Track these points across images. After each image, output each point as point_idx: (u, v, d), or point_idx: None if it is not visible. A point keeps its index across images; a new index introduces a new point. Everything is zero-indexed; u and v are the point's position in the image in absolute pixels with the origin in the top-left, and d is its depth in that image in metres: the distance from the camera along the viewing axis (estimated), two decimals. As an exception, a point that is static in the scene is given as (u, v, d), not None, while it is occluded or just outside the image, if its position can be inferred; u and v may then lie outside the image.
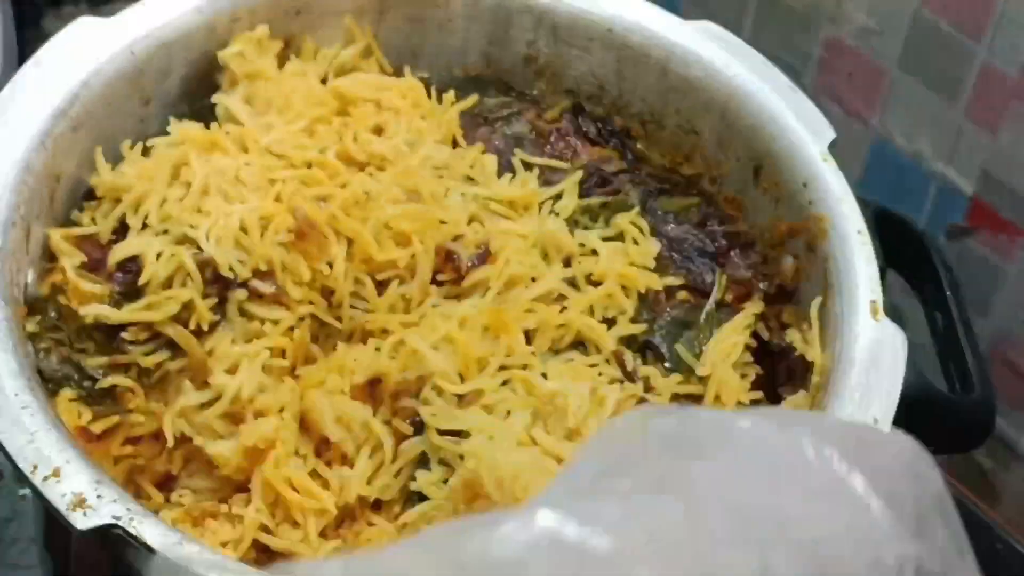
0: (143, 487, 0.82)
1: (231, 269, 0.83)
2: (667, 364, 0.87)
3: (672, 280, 0.90)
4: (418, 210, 0.87)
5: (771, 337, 0.90)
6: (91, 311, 0.83)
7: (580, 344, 0.87)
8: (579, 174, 0.94)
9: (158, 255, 0.83)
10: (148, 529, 0.71)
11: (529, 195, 0.92)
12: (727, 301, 0.91)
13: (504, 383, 0.83)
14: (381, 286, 0.86)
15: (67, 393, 0.81)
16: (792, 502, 0.51)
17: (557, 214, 0.92)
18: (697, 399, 0.86)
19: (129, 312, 0.82)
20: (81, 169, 0.88)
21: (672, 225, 0.94)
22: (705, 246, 0.93)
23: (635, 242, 0.91)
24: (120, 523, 0.71)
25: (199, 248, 0.83)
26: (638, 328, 0.88)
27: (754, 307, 0.91)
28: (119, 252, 0.84)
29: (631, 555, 0.49)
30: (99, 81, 0.88)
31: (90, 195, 0.88)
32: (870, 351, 0.83)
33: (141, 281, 0.83)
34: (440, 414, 0.81)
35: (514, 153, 0.95)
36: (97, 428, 0.81)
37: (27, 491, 1.05)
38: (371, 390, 0.83)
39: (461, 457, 0.79)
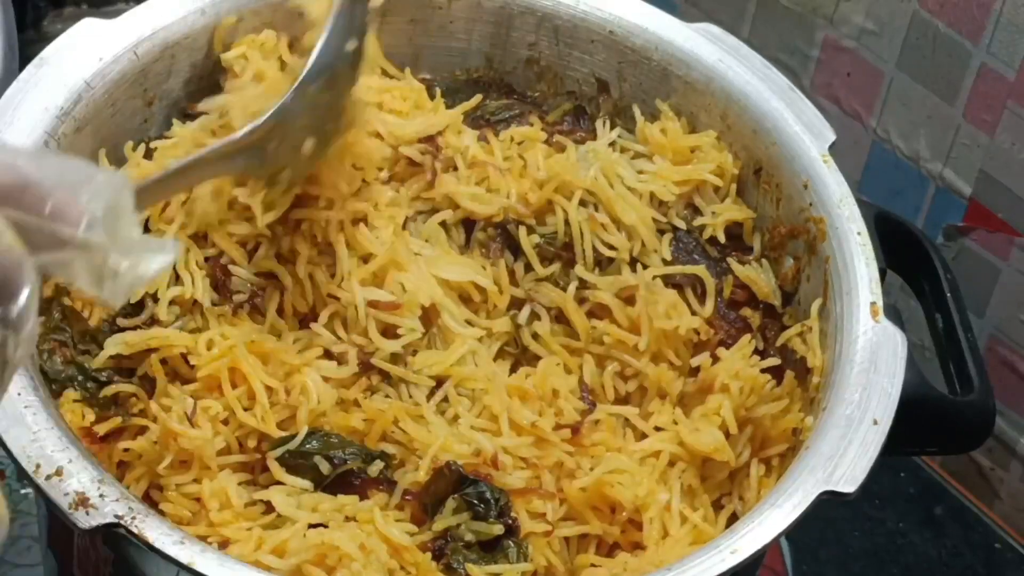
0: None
1: None
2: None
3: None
4: None
5: (767, 348, 0.90)
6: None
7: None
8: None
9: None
10: (150, 528, 0.71)
11: None
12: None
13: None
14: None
15: (71, 394, 0.81)
16: None
17: None
18: None
19: (135, 336, 0.83)
20: (85, 170, 0.88)
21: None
22: (708, 249, 0.93)
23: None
24: (123, 522, 0.71)
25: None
26: None
27: (751, 319, 0.91)
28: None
29: None
30: (102, 82, 0.88)
31: (93, 196, 0.89)
32: (870, 352, 0.83)
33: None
34: None
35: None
36: (101, 430, 0.81)
37: (29, 490, 1.05)
38: None
39: None
